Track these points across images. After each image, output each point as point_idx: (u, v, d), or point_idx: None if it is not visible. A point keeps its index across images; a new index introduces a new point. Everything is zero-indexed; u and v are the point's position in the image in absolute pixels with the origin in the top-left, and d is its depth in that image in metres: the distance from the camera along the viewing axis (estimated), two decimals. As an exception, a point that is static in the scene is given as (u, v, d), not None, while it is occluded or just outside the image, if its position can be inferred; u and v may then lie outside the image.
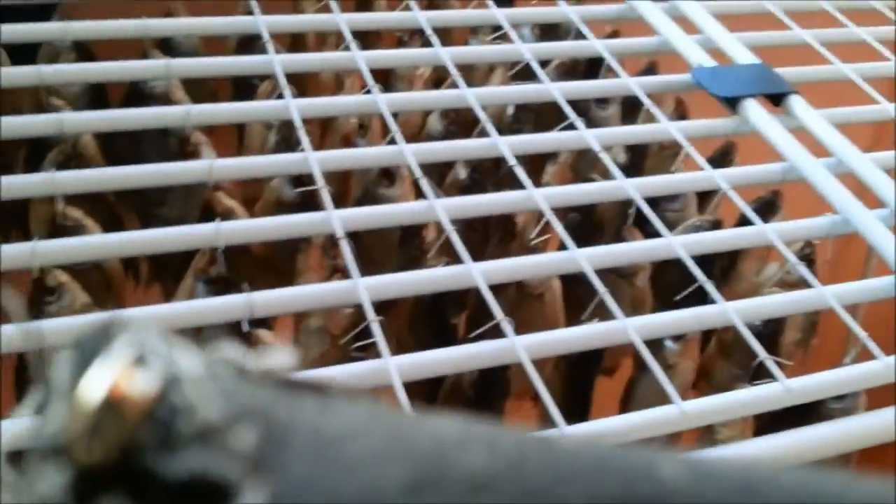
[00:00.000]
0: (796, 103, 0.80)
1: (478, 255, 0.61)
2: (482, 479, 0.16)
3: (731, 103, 0.80)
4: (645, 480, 0.16)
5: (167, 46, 0.87)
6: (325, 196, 0.63)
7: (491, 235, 0.79)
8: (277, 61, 0.76)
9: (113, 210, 0.80)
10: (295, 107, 0.71)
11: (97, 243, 0.59)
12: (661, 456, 0.17)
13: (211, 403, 0.16)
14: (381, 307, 0.63)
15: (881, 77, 0.91)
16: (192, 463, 0.15)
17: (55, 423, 0.15)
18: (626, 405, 0.74)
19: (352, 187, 0.85)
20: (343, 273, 0.62)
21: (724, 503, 0.16)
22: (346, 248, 0.60)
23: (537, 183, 0.74)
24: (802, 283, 0.66)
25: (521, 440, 0.17)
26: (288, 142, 0.77)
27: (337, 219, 0.62)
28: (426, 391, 0.69)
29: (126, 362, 0.16)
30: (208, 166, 0.65)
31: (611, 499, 0.16)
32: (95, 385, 0.15)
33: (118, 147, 0.79)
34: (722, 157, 0.84)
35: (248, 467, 0.15)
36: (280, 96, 0.73)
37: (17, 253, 0.56)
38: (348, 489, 0.16)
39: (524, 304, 0.71)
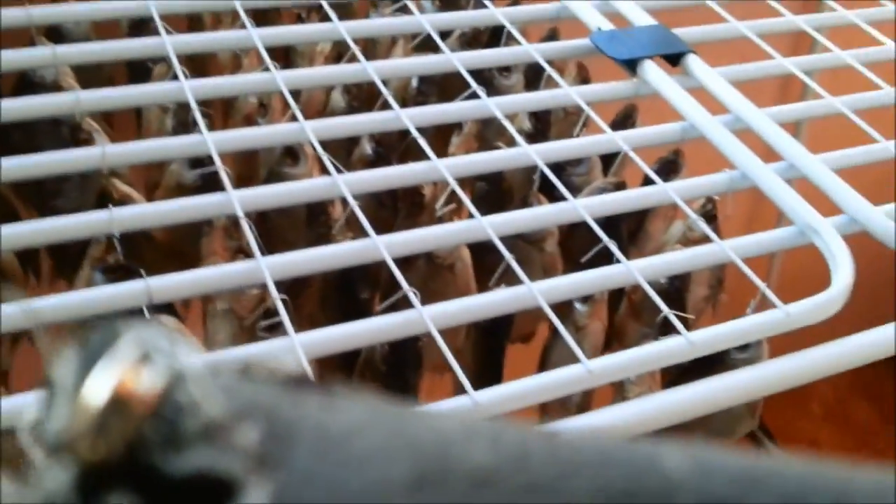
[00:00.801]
0: (693, 63, 0.81)
1: (388, 230, 0.61)
2: (486, 473, 0.16)
3: (630, 65, 0.80)
4: (649, 473, 0.16)
5: (57, 34, 0.84)
6: (225, 178, 0.62)
7: (399, 210, 0.79)
8: (169, 42, 0.74)
9: (8, 205, 0.77)
10: (189, 88, 0.69)
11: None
12: (666, 448, 0.17)
13: (215, 401, 0.16)
14: (291, 289, 0.62)
15: (777, 33, 0.93)
16: (197, 460, 0.15)
17: (60, 420, 0.15)
18: (541, 370, 0.74)
19: (258, 170, 0.84)
20: (247, 255, 0.61)
21: (728, 495, 0.16)
22: (247, 229, 0.58)
23: (444, 155, 0.74)
24: (706, 240, 0.67)
25: (525, 435, 0.17)
26: (186, 125, 0.75)
27: (237, 199, 0.60)
28: (341, 368, 0.69)
29: (132, 360, 0.16)
30: (100, 152, 0.63)
31: (615, 492, 0.16)
32: (101, 383, 0.15)
33: (12, 142, 0.76)
34: (624, 120, 0.85)
35: (252, 464, 0.15)
36: (174, 78, 0.71)
37: None
38: (352, 485, 0.16)
39: (435, 276, 0.70)
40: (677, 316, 0.56)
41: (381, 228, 0.60)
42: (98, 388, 0.15)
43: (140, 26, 0.86)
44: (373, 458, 0.16)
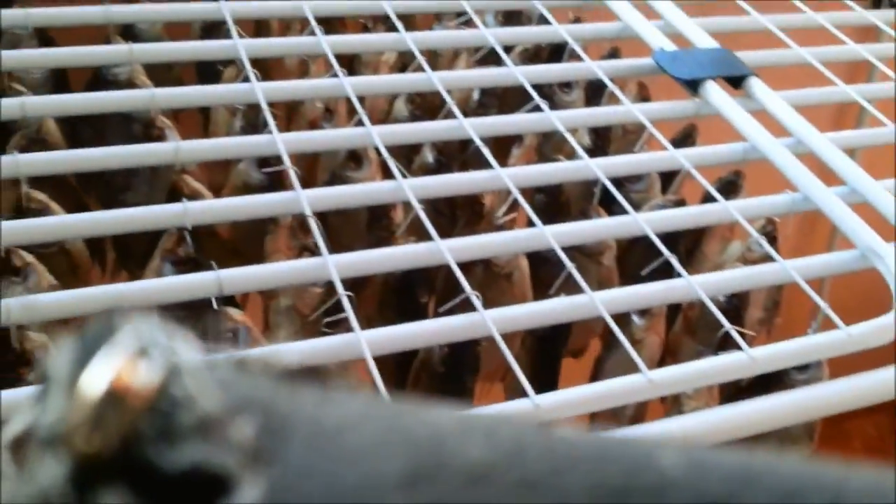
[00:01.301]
0: (756, 85, 0.81)
1: (446, 239, 0.61)
2: (481, 469, 0.16)
3: (692, 86, 0.81)
4: (645, 470, 0.16)
5: (130, 34, 0.86)
6: (293, 176, 0.63)
7: (458, 218, 0.80)
8: (241, 45, 0.76)
9: (78, 197, 0.79)
10: (260, 90, 0.71)
11: (62, 223, 0.59)
12: (661, 446, 0.17)
13: (210, 395, 0.16)
14: (351, 290, 0.63)
15: (838, 61, 0.93)
16: (192, 454, 0.15)
17: (55, 413, 0.15)
18: (594, 381, 0.75)
19: (319, 173, 0.85)
20: (312, 253, 0.62)
21: (723, 493, 0.16)
22: (314, 227, 0.60)
23: (503, 166, 0.75)
24: (764, 261, 0.67)
25: (520, 430, 0.17)
26: (254, 127, 0.77)
27: (305, 198, 0.62)
28: (398, 369, 0.69)
29: (129, 354, 0.16)
30: (174, 147, 0.65)
31: (610, 489, 0.16)
32: (98, 376, 0.15)
33: (82, 136, 0.79)
34: (683, 140, 0.86)
35: (247, 459, 0.15)
36: (245, 80, 0.73)
37: (-19, 233, 0.55)
38: (347, 480, 0.16)
39: (493, 284, 0.71)
40: (737, 332, 0.56)
41: (441, 237, 0.61)
42: (94, 382, 0.15)
43: (210, 30, 0.88)
44: (367, 452, 0.16)
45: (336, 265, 0.57)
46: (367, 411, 0.17)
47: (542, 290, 0.73)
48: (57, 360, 0.16)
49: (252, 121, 0.77)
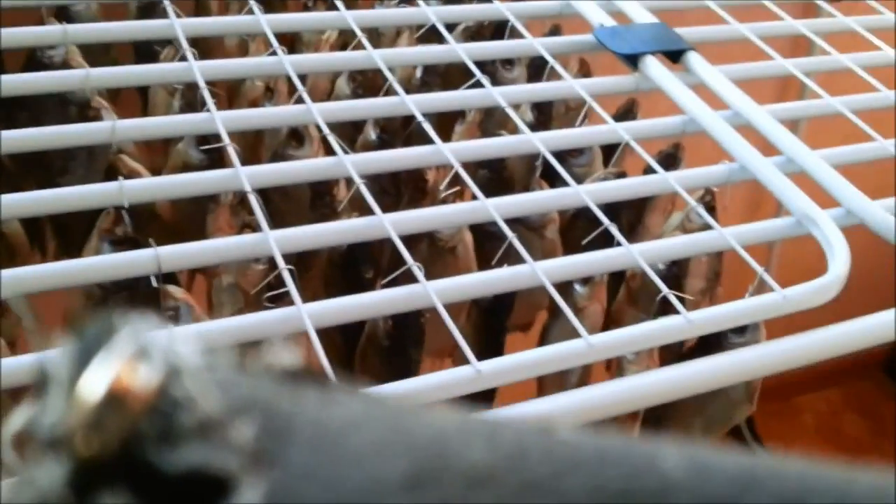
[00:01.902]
0: (694, 59, 0.82)
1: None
2: (483, 471, 0.16)
3: (632, 60, 0.82)
4: (647, 473, 0.16)
5: (65, 16, 0.85)
6: (233, 154, 0.63)
7: (402, 195, 0.80)
8: (178, 25, 0.75)
9: (14, 182, 0.77)
10: (198, 68, 0.70)
11: (-5, 203, 0.58)
12: (664, 448, 0.17)
13: (211, 396, 0.16)
14: (295, 267, 0.63)
15: (777, 36, 0.94)
16: (192, 456, 0.15)
17: (55, 415, 0.15)
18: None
19: (262, 153, 0.85)
20: (253, 230, 0.62)
21: (725, 496, 0.16)
22: (255, 203, 0.59)
23: (446, 142, 0.75)
24: (703, 230, 0.68)
25: (522, 433, 0.17)
26: (192, 107, 0.76)
27: (244, 175, 0.61)
28: (345, 344, 0.69)
29: (129, 356, 0.16)
30: (110, 127, 0.64)
31: (612, 491, 0.16)
32: (98, 378, 0.15)
33: (18, 120, 0.77)
34: (625, 114, 0.87)
35: (248, 461, 0.15)
36: (183, 59, 0.72)
37: None
38: (349, 482, 0.16)
39: (437, 259, 0.71)
40: (676, 296, 0.57)
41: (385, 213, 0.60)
42: (94, 384, 0.15)
43: (147, 10, 0.87)
44: (369, 455, 0.16)
45: (277, 240, 0.57)
46: (368, 413, 0.17)
47: (487, 264, 0.73)
48: (56, 361, 0.16)
49: (191, 101, 0.76)
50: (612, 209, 0.68)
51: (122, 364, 0.15)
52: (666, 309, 0.58)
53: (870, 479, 0.17)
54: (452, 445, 0.16)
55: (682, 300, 0.58)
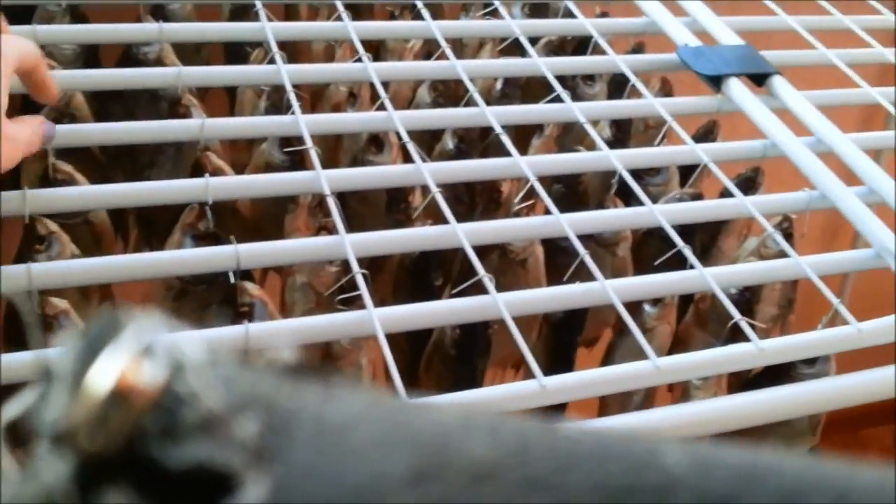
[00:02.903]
0: (779, 84, 0.81)
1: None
2: (485, 467, 0.16)
3: (715, 82, 0.81)
4: (649, 468, 0.16)
5: (161, 15, 0.88)
6: (314, 157, 0.64)
7: (477, 205, 0.81)
8: (269, 28, 0.77)
9: (104, 172, 0.80)
10: (285, 71, 0.72)
11: (87, 193, 0.60)
12: (666, 443, 0.17)
13: (214, 393, 0.16)
14: (367, 272, 0.64)
15: (863, 63, 0.92)
16: (196, 453, 0.15)
17: (60, 412, 0.15)
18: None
19: (341, 157, 0.86)
20: (330, 232, 0.63)
21: (728, 492, 0.16)
22: (332, 207, 0.61)
23: (523, 155, 0.75)
24: (779, 257, 0.67)
25: (524, 428, 0.17)
26: (278, 109, 0.78)
27: (324, 178, 0.63)
28: (411, 351, 0.70)
29: (133, 352, 0.16)
30: (199, 124, 0.66)
31: (615, 487, 0.16)
32: (104, 375, 0.15)
33: (111, 113, 0.80)
34: (705, 135, 0.86)
35: (251, 457, 0.15)
36: (272, 62, 0.74)
37: (7, 200, 0.57)
38: (351, 478, 0.16)
39: (507, 270, 0.72)
40: (748, 323, 0.57)
41: (459, 222, 0.61)
42: (99, 380, 0.15)
43: (240, 12, 0.90)
44: (372, 450, 0.16)
45: (352, 244, 0.58)
46: (371, 409, 0.17)
47: (557, 278, 0.73)
48: (61, 360, 0.16)
49: (277, 102, 0.78)
50: (686, 230, 0.68)
51: (127, 361, 0.15)
52: (736, 335, 0.58)
53: (871, 475, 0.17)
54: (455, 441, 0.16)
55: (753, 327, 0.57)
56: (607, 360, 0.76)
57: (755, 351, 0.55)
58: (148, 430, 0.15)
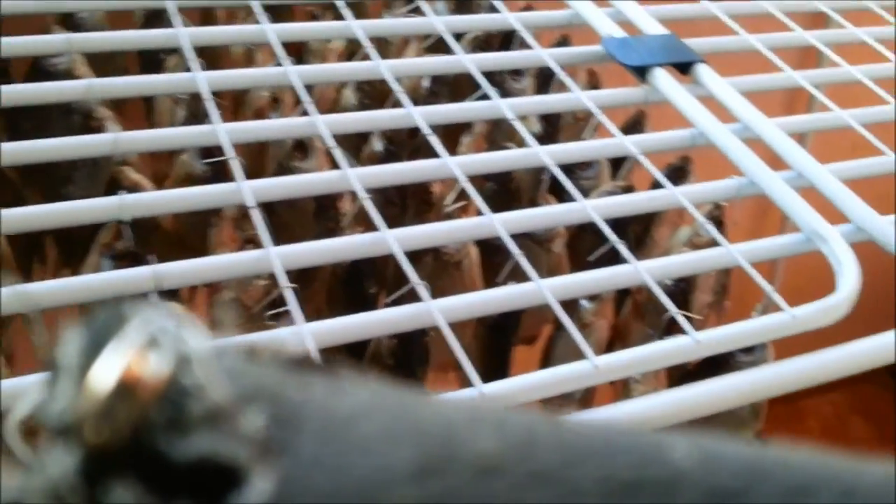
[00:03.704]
0: (703, 72, 0.81)
1: (394, 228, 0.61)
2: (491, 460, 0.16)
3: (641, 72, 0.81)
4: (656, 463, 0.16)
5: (71, 24, 0.84)
6: (236, 167, 0.62)
7: (408, 207, 0.79)
8: (184, 34, 0.74)
9: (18, 192, 0.77)
10: (202, 79, 0.69)
11: (-5, 217, 0.57)
12: (672, 438, 0.17)
13: (220, 385, 0.16)
14: (298, 282, 0.62)
15: (786, 47, 0.93)
16: (202, 445, 0.15)
17: (65, 404, 0.15)
18: (544, 366, 0.74)
19: (266, 165, 0.84)
20: (256, 245, 0.61)
21: (735, 487, 0.16)
22: (257, 219, 0.59)
23: (453, 154, 0.74)
24: (711, 245, 0.67)
25: (531, 422, 0.17)
26: (197, 117, 0.75)
27: (248, 189, 0.61)
28: (347, 361, 0.68)
29: (139, 345, 0.15)
30: (112, 139, 0.63)
31: (621, 482, 0.16)
32: (109, 368, 0.15)
33: (22, 131, 0.77)
34: (633, 126, 0.86)
35: (257, 449, 0.15)
36: (187, 70, 0.72)
37: None
38: (358, 471, 0.15)
39: (442, 273, 0.71)
40: (683, 316, 0.56)
41: (390, 226, 0.60)
42: (105, 373, 0.15)
43: (154, 19, 0.86)
44: (378, 443, 0.16)
45: (279, 257, 0.56)
46: (377, 402, 0.17)
47: (494, 277, 0.72)
48: (66, 351, 0.16)
49: (195, 111, 0.76)
50: (619, 222, 0.67)
51: (133, 353, 0.15)
52: (673, 327, 0.57)
53: (877, 470, 0.17)
54: (461, 434, 0.16)
55: (689, 319, 0.57)
56: (547, 357, 0.76)
57: (692, 344, 0.54)
58: (154, 423, 0.15)
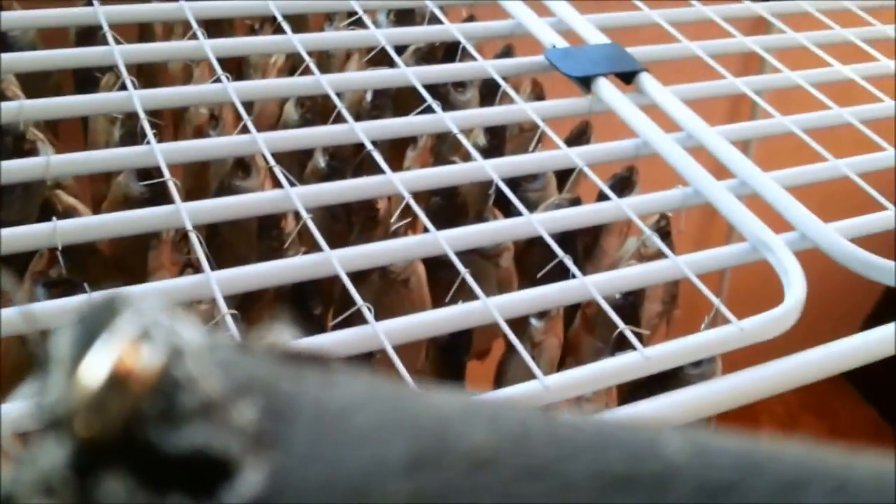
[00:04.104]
0: (646, 80, 0.82)
1: (342, 245, 0.59)
2: (485, 454, 0.16)
3: (585, 83, 0.81)
4: (649, 457, 0.16)
5: (1, 43, 0.82)
6: (173, 189, 0.61)
7: (354, 224, 0.78)
8: (118, 51, 0.72)
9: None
10: (138, 97, 0.67)
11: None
12: (666, 432, 0.17)
13: (213, 377, 0.16)
14: (242, 304, 0.60)
15: (727, 53, 0.94)
16: (194, 437, 0.15)
17: (58, 397, 0.15)
18: (497, 386, 0.74)
19: (208, 184, 0.82)
20: (196, 269, 0.60)
21: (728, 480, 0.16)
22: (196, 242, 0.57)
23: (399, 169, 0.73)
24: (660, 256, 0.67)
25: (524, 415, 0.17)
26: (134, 136, 0.73)
27: (186, 211, 0.59)
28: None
29: (131, 337, 0.15)
30: (44, 162, 0.61)
31: (615, 475, 0.16)
32: (101, 361, 0.15)
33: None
34: (578, 137, 0.86)
35: (250, 442, 0.15)
36: (123, 88, 0.70)
37: None
38: (351, 464, 0.15)
39: (389, 291, 0.69)
40: (632, 331, 0.56)
41: (335, 243, 0.59)
42: (97, 366, 0.15)
43: (88, 35, 0.84)
44: (371, 436, 0.16)
45: (219, 281, 0.55)
46: (370, 395, 0.17)
47: (442, 293, 0.71)
48: (58, 343, 0.15)
49: (132, 130, 0.74)
50: (567, 234, 0.67)
51: (125, 346, 0.15)
52: (623, 342, 0.57)
53: (869, 463, 0.17)
54: (454, 427, 0.16)
55: (638, 335, 0.57)
56: (500, 376, 0.75)
57: (642, 360, 0.54)
58: (146, 415, 0.15)
